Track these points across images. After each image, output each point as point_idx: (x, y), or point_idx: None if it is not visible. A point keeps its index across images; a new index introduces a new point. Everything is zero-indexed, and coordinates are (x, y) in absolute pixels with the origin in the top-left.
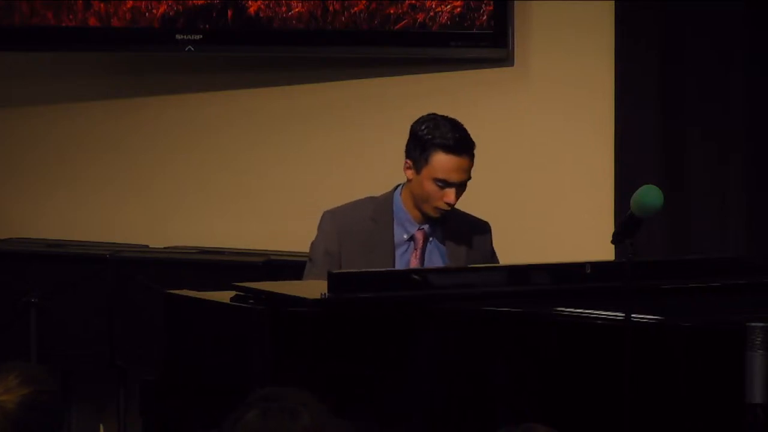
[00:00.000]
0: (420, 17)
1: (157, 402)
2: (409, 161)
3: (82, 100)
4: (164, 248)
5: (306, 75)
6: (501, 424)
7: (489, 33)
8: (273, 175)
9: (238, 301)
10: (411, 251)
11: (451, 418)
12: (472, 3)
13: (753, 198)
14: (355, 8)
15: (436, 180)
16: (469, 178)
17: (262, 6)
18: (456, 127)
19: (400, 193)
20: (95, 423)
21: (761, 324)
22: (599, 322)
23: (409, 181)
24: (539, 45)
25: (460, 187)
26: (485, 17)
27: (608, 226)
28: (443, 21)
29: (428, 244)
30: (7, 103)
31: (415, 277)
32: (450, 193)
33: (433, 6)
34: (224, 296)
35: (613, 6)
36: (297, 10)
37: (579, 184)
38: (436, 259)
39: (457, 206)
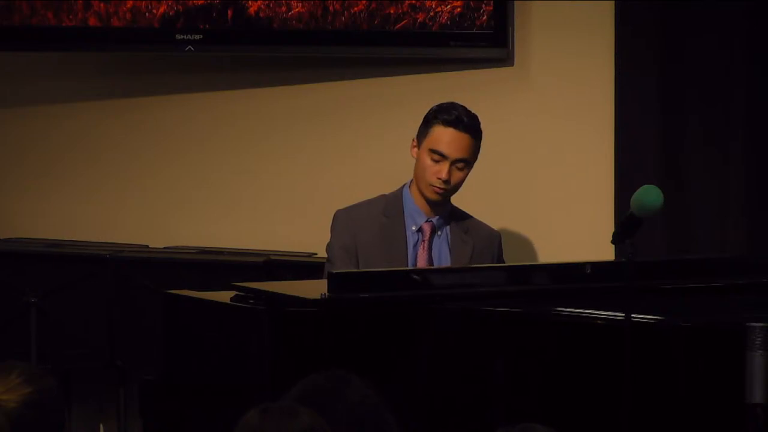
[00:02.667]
0: (420, 17)
1: (157, 402)
2: (414, 140)
3: (82, 100)
4: (164, 248)
5: (306, 75)
6: (500, 423)
7: (489, 33)
8: (273, 175)
9: (238, 301)
10: (420, 243)
11: (450, 418)
12: (472, 3)
13: (753, 198)
14: (355, 8)
15: (432, 151)
16: (468, 162)
17: (262, 6)
18: (465, 109)
19: (409, 187)
20: (95, 423)
21: (761, 324)
22: (599, 322)
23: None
24: (539, 45)
25: (456, 168)
26: (485, 17)
27: (608, 226)
28: (443, 21)
29: (436, 237)
30: (7, 103)
31: (416, 277)
32: (443, 168)
33: (433, 6)
34: (224, 296)
35: (613, 6)
36: (297, 10)
37: (579, 185)
38: (444, 253)
39: (473, 213)
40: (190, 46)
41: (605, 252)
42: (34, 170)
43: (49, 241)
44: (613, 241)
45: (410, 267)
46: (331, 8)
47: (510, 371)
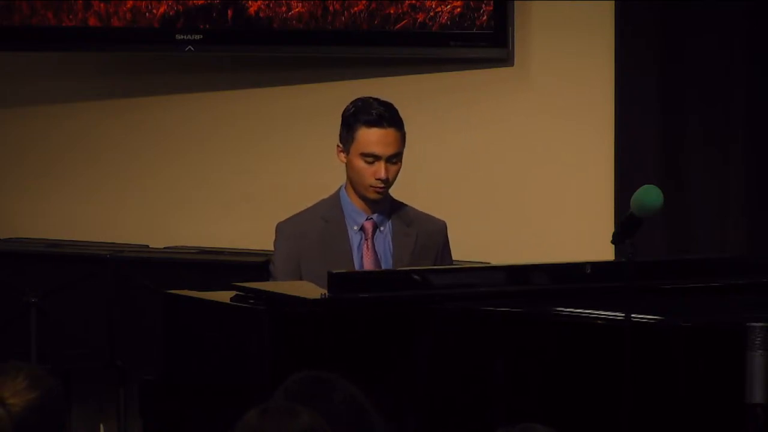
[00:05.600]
0: (420, 17)
1: (157, 402)
2: (339, 145)
3: (82, 100)
4: (164, 248)
5: (306, 75)
6: (500, 423)
7: (489, 33)
8: (273, 175)
9: (238, 301)
10: (363, 242)
11: (450, 418)
12: (472, 3)
13: (753, 198)
14: (355, 8)
15: (364, 155)
16: (400, 154)
17: (262, 6)
18: (382, 103)
19: (345, 188)
20: (95, 423)
21: (761, 324)
22: (599, 322)
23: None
24: (539, 45)
25: (391, 164)
26: (485, 17)
27: (608, 226)
28: (443, 21)
29: (379, 233)
30: (7, 103)
31: (416, 277)
32: (379, 168)
33: (433, 6)
34: (224, 296)
35: (613, 6)
36: (297, 10)
37: (579, 185)
38: (388, 249)
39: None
40: (190, 46)
41: (605, 252)
42: (34, 170)
43: (49, 241)
44: (613, 241)
45: (357, 267)
46: (331, 8)
47: (510, 371)
